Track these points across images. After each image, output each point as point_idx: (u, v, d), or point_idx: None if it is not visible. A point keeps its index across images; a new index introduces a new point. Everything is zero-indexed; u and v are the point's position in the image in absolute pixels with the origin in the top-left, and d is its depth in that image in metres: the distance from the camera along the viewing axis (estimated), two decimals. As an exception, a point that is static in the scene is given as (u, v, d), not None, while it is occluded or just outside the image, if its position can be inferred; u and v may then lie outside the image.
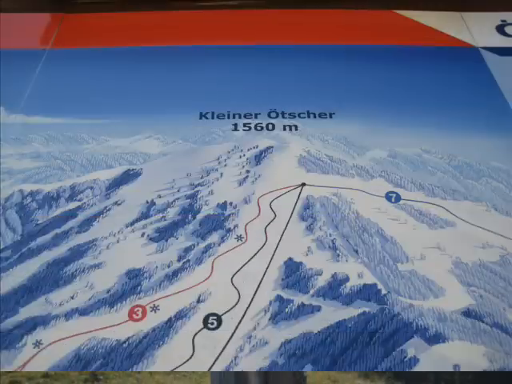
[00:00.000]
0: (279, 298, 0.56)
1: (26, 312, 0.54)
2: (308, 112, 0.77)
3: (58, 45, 0.89)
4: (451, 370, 0.49)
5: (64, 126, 0.75)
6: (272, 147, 0.73)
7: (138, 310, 0.54)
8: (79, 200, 0.66)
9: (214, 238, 0.61)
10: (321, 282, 0.57)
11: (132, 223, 0.63)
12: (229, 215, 0.64)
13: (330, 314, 0.54)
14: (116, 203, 0.66)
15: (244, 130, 0.74)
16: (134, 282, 0.57)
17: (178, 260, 0.59)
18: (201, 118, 0.76)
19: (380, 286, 0.56)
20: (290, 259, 0.59)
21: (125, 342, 0.52)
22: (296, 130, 0.75)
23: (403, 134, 0.74)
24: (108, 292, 0.56)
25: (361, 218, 0.64)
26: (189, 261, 0.59)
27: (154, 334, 0.52)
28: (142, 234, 0.62)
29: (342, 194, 0.66)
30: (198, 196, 0.66)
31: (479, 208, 0.65)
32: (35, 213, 0.64)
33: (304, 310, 0.55)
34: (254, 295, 0.56)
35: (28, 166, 0.70)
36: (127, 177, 0.70)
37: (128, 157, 0.72)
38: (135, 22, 0.95)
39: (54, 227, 0.63)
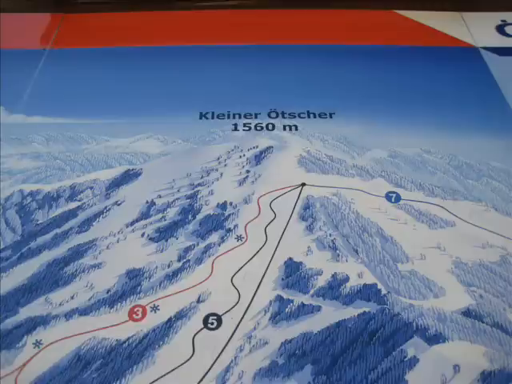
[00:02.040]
0: (279, 298, 0.56)
1: (25, 312, 0.54)
2: (308, 112, 0.77)
3: (58, 45, 0.89)
4: (451, 370, 0.49)
5: (64, 125, 0.75)
6: (272, 147, 0.73)
7: (137, 310, 0.54)
8: (79, 200, 0.66)
9: (214, 238, 0.61)
10: (321, 282, 0.57)
11: (132, 223, 0.63)
12: (229, 215, 0.64)
13: (330, 314, 0.54)
14: (116, 203, 0.66)
15: (244, 130, 0.75)
16: (133, 282, 0.57)
17: (178, 260, 0.59)
18: (201, 118, 0.76)
19: (380, 286, 0.56)
20: (290, 259, 0.59)
21: (125, 342, 0.52)
22: (296, 129, 0.75)
23: (403, 134, 0.74)
24: (108, 292, 0.56)
25: (361, 218, 0.64)
26: (189, 261, 0.59)
27: (153, 334, 0.52)
28: (142, 234, 0.62)
29: (342, 194, 0.66)
30: (198, 196, 0.66)
31: (479, 208, 0.65)
32: (35, 213, 0.64)
33: (304, 310, 0.55)
34: (254, 295, 0.56)
35: (28, 166, 0.70)
36: (127, 177, 0.70)
37: (128, 157, 0.72)
38: (135, 22, 0.95)
39: (54, 227, 0.63)
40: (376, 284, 0.57)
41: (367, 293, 0.56)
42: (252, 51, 0.88)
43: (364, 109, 0.77)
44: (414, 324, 0.53)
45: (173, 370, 0.50)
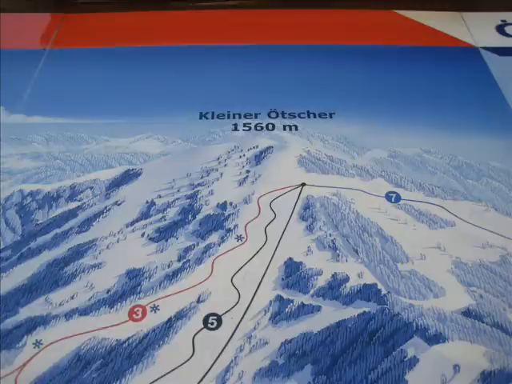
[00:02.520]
0: (279, 298, 0.56)
1: (25, 312, 0.54)
2: (308, 112, 0.77)
3: (58, 45, 0.89)
4: (451, 370, 0.49)
5: (64, 125, 0.75)
6: (272, 147, 0.73)
7: (137, 310, 0.54)
8: (79, 200, 0.66)
9: (214, 238, 0.61)
10: (321, 282, 0.57)
11: (132, 223, 0.63)
12: (229, 215, 0.64)
13: (330, 314, 0.54)
14: (116, 203, 0.66)
15: (244, 130, 0.75)
16: (133, 281, 0.57)
17: (178, 260, 0.59)
18: (201, 118, 0.76)
19: (380, 286, 0.56)
20: (290, 259, 0.59)
21: (125, 342, 0.52)
22: (296, 129, 0.75)
23: (403, 134, 0.74)
24: (108, 292, 0.56)
25: (361, 218, 0.64)
26: (189, 261, 0.59)
27: (153, 334, 0.52)
28: (142, 234, 0.62)
29: (342, 194, 0.66)
30: (198, 196, 0.66)
31: (479, 208, 0.65)
32: (35, 213, 0.64)
33: (304, 310, 0.55)
34: (254, 295, 0.56)
35: (28, 166, 0.70)
36: (127, 177, 0.70)
37: (128, 157, 0.72)
38: (135, 22, 0.95)
39: (54, 227, 0.63)
40: (376, 284, 0.57)
41: (367, 293, 0.56)
42: (252, 51, 0.88)
43: (364, 109, 0.77)
44: (414, 324, 0.53)
45: (173, 369, 0.50)
